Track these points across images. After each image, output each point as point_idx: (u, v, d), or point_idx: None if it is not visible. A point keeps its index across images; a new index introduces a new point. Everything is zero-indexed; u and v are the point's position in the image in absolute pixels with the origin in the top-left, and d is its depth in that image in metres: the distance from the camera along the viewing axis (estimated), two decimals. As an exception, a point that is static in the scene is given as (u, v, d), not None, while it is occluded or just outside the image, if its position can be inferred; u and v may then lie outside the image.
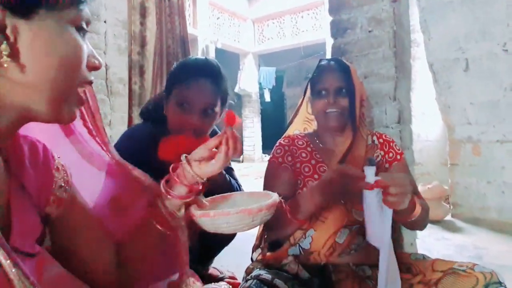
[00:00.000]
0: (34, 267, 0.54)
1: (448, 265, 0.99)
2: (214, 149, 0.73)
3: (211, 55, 7.26)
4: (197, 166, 0.71)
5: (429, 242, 2.59)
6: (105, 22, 2.80)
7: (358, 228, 1.10)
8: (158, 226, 0.71)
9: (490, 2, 2.94)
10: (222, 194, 0.88)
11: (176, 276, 0.79)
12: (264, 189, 1.17)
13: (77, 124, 0.72)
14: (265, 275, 0.97)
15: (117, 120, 2.88)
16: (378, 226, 0.94)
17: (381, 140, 1.26)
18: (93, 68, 0.56)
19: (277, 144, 1.26)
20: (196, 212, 0.73)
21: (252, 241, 1.27)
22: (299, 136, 1.29)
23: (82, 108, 0.69)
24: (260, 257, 1.18)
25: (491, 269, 0.92)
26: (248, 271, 1.12)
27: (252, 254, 1.24)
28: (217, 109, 1.19)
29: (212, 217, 0.72)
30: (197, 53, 6.95)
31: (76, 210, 0.67)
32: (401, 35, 1.78)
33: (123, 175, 0.78)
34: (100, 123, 0.74)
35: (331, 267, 1.09)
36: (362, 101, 1.22)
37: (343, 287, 1.04)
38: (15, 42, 0.47)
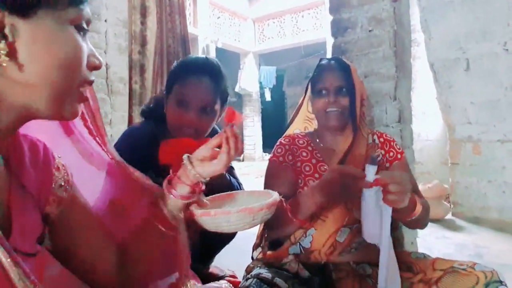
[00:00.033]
0: (34, 266, 0.54)
1: (448, 264, 0.98)
2: (216, 149, 0.72)
3: (212, 55, 7.26)
4: (200, 165, 0.70)
5: (429, 241, 2.59)
6: (105, 21, 2.80)
7: (358, 227, 1.10)
8: (159, 226, 0.70)
9: (491, 1, 2.93)
10: (222, 193, 0.88)
11: (176, 276, 0.79)
12: (264, 188, 1.17)
13: (78, 123, 0.72)
14: (266, 274, 0.97)
15: (117, 119, 2.89)
16: (374, 224, 0.94)
17: (381, 139, 1.26)
18: (94, 67, 0.56)
19: (277, 143, 1.26)
20: (196, 211, 0.73)
21: (253, 240, 1.27)
22: (300, 135, 1.29)
23: (83, 108, 0.69)
24: (260, 256, 1.18)
25: (491, 268, 0.92)
26: (249, 270, 1.12)
27: (252, 253, 1.24)
28: (217, 107, 1.19)
29: (212, 216, 0.72)
30: (198, 53, 6.93)
31: (76, 209, 0.66)
32: (401, 34, 1.78)
33: (123, 175, 0.78)
34: (100, 122, 0.74)
35: (331, 265, 1.09)
36: (362, 100, 1.22)
37: (343, 286, 1.04)
38: (14, 41, 0.47)
